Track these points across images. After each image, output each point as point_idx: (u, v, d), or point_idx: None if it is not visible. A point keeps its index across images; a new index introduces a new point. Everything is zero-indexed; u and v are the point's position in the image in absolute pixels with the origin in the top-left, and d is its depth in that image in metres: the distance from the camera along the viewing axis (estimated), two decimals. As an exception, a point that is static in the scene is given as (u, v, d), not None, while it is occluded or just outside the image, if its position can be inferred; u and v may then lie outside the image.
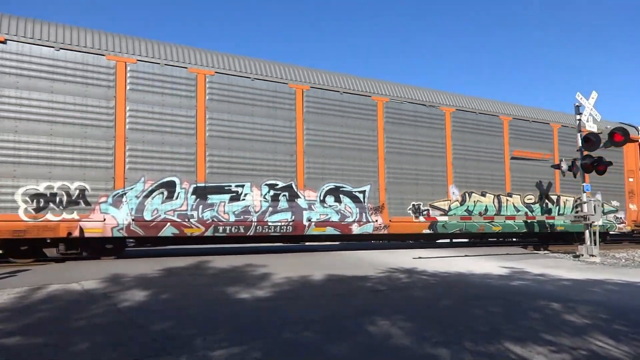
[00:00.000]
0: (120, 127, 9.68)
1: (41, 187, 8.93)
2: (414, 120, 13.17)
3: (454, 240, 17.92)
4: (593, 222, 12.54)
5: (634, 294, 6.94)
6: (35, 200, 8.88)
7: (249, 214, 10.68)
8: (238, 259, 9.77)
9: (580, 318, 5.07)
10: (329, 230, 11.66)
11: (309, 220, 11.34)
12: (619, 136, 12.55)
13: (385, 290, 6.81)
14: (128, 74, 9.85)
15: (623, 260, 12.08)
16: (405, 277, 7.92)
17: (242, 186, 10.69)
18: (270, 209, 10.95)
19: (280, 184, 11.14)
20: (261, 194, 10.87)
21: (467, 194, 13.79)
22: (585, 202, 12.69)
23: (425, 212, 13.04)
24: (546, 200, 15.23)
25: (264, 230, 10.84)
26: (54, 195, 9.01)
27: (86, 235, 9.23)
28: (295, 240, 12.89)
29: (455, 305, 5.75)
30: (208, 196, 10.30)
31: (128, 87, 9.82)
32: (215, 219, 10.34)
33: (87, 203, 9.28)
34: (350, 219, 11.85)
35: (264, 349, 3.87)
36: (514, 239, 17.95)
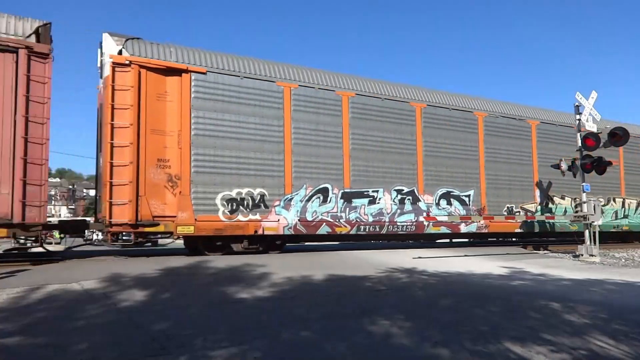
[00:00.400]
0: (288, 142, 11.57)
1: (233, 193, 10.80)
2: (506, 132, 15.03)
3: (453, 240, 17.92)
4: (592, 222, 12.53)
5: (633, 294, 6.94)
6: (229, 204, 10.76)
7: (383, 215, 12.52)
8: (237, 259, 9.76)
9: (580, 318, 5.07)
10: (443, 229, 13.49)
11: (427, 222, 13.05)
12: (618, 136, 12.53)
13: (385, 290, 6.80)
14: (292, 97, 11.71)
15: (623, 260, 12.08)
16: (405, 277, 7.91)
17: (377, 191, 12.53)
18: (399, 211, 12.78)
19: (405, 189, 12.98)
20: (391, 198, 12.72)
21: (550, 198, 15.56)
22: (585, 202, 12.69)
23: (516, 213, 14.64)
24: (613, 203, 16.62)
25: (394, 229, 12.69)
26: (243, 199, 10.90)
27: (265, 233, 11.11)
28: (416, 238, 15.26)
29: (455, 305, 5.74)
30: (352, 200, 12.16)
31: (292, 108, 11.68)
32: (358, 220, 12.19)
33: (266, 206, 11.16)
34: (459, 219, 13.43)
35: (263, 349, 3.86)
36: (514, 239, 17.95)
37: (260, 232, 10.97)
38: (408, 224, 12.84)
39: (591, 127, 13.23)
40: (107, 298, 5.80)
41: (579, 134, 13.24)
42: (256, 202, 10.97)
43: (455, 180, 13.74)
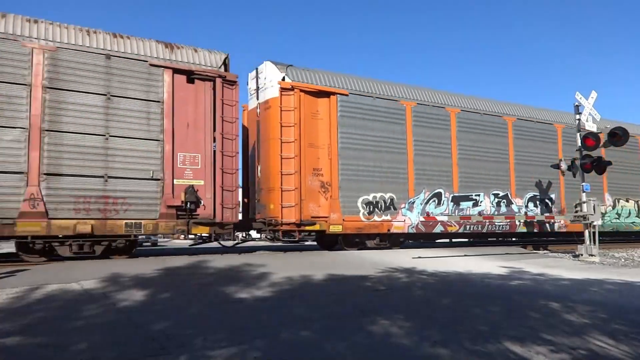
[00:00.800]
0: (410, 153, 13.37)
1: (370, 197, 12.55)
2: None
3: (453, 240, 17.93)
4: (592, 221, 12.53)
5: (633, 294, 6.94)
6: (368, 207, 12.50)
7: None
8: (237, 259, 9.76)
9: (579, 317, 5.07)
10: (529, 229, 15.30)
11: (519, 221, 14.75)
12: (618, 136, 12.52)
13: (385, 289, 6.80)
14: (412, 114, 13.50)
15: (622, 260, 12.08)
16: (404, 277, 7.92)
17: (479, 195, 14.29)
18: (496, 212, 14.44)
19: (501, 193, 14.72)
20: (490, 201, 14.46)
21: (616, 200, 17.20)
22: (584, 202, 12.68)
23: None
24: None
25: (492, 229, 14.61)
26: (377, 202, 12.67)
27: (394, 231, 12.92)
28: (510, 236, 16.98)
29: (454, 305, 5.74)
30: (460, 203, 13.93)
31: (413, 123, 13.47)
32: (464, 220, 13.95)
33: (394, 208, 12.92)
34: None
35: (263, 349, 3.86)
36: (514, 239, 17.94)
37: (392, 230, 12.86)
38: (504, 223, 14.61)
39: (591, 126, 13.22)
40: (106, 298, 5.80)
41: (578, 134, 13.23)
42: (387, 204, 12.81)
43: (539, 185, 15.51)
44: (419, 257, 11.07)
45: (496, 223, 14.37)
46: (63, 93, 9.36)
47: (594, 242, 12.22)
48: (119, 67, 9.83)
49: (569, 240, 16.28)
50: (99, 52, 9.70)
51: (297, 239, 12.71)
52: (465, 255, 12.03)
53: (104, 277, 7.11)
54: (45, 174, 9.09)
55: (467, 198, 14.06)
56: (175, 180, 10.11)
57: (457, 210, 13.77)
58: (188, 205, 10.01)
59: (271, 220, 11.56)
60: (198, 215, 10.26)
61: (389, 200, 12.80)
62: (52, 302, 5.59)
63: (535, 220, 14.75)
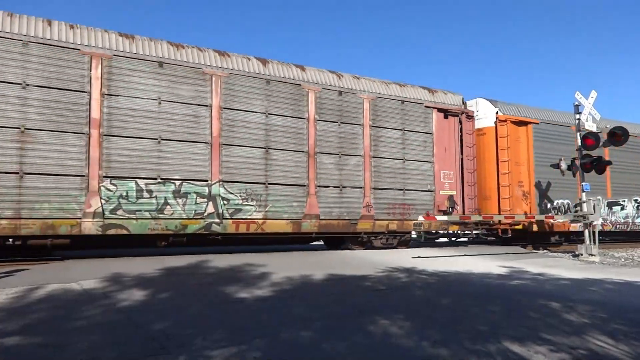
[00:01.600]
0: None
1: (555, 203, 15.43)
2: None
3: (452, 239, 17.92)
4: (592, 221, 12.53)
5: (632, 294, 6.95)
6: (554, 211, 15.40)
7: (628, 218, 17.34)
8: (238, 259, 9.77)
9: (579, 317, 5.07)
10: None
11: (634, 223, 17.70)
12: (618, 135, 12.52)
13: (384, 289, 6.81)
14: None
15: (622, 260, 12.09)
16: (404, 277, 7.92)
17: (624, 201, 17.23)
18: (636, 214, 17.47)
19: (639, 199, 17.58)
20: (632, 206, 17.43)
21: None
22: (584, 202, 12.69)
23: None
24: None
25: (633, 228, 17.52)
26: (559, 207, 15.54)
27: (572, 230, 15.56)
28: (626, 235, 18.57)
29: (454, 305, 5.75)
30: (612, 207, 16.88)
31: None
32: (615, 221, 16.92)
33: (570, 212, 15.08)
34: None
35: (263, 348, 3.87)
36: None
37: (570, 229, 15.56)
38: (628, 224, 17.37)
39: (591, 126, 13.22)
40: (106, 298, 5.81)
41: (578, 134, 13.24)
42: (566, 209, 15.66)
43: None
44: (419, 257, 11.08)
45: (637, 223, 17.42)
46: (380, 130, 12.72)
47: (594, 242, 12.22)
48: (408, 109, 13.19)
49: (569, 240, 16.28)
50: (397, 99, 13.08)
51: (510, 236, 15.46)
52: (465, 255, 12.04)
53: (104, 277, 7.11)
54: (373, 188, 12.41)
55: (616, 203, 17.03)
56: (440, 191, 13.38)
57: (610, 213, 16.75)
58: (450, 210, 13.18)
59: (488, 221, 14.20)
60: None
61: (567, 205, 15.78)
62: (52, 302, 5.59)
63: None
